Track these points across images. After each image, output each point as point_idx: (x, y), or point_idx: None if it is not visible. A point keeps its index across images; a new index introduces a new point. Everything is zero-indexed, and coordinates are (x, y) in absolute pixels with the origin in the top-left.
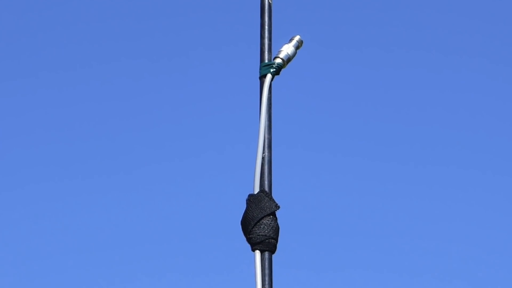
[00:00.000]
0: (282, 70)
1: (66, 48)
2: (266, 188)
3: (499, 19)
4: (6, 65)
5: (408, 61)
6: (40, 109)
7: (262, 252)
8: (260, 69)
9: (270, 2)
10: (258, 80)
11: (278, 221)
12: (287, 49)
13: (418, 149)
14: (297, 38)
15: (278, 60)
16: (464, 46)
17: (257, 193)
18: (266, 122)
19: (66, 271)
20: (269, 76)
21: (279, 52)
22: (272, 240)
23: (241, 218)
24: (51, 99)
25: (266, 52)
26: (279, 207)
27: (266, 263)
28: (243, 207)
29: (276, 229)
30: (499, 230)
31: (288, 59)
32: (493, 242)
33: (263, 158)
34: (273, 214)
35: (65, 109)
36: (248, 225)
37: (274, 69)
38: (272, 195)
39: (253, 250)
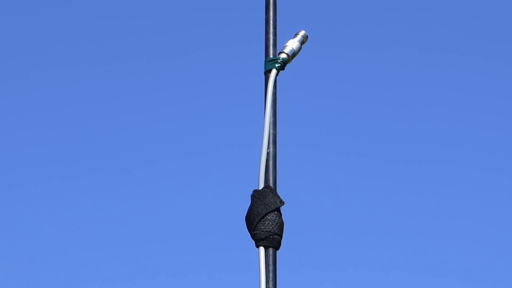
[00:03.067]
0: (287, 65)
1: (77, 46)
2: (271, 184)
3: (499, 20)
4: (6, 65)
5: (415, 60)
6: (41, 109)
7: (266, 248)
8: (265, 64)
9: None
10: (263, 76)
11: (283, 217)
12: (292, 44)
13: (425, 148)
14: (302, 33)
15: (283, 55)
16: (467, 46)
17: (262, 188)
18: (271, 118)
19: (73, 271)
20: (274, 71)
21: (284, 47)
22: (277, 236)
23: (245, 214)
24: (53, 99)
25: (271, 47)
26: (283, 203)
27: (270, 259)
28: (247, 203)
29: (281, 225)
30: (499, 229)
31: (293, 54)
32: (493, 241)
33: (268, 153)
34: (278, 210)
35: (80, 107)
36: (252, 221)
37: (279, 64)
38: (277, 190)
39: (258, 246)
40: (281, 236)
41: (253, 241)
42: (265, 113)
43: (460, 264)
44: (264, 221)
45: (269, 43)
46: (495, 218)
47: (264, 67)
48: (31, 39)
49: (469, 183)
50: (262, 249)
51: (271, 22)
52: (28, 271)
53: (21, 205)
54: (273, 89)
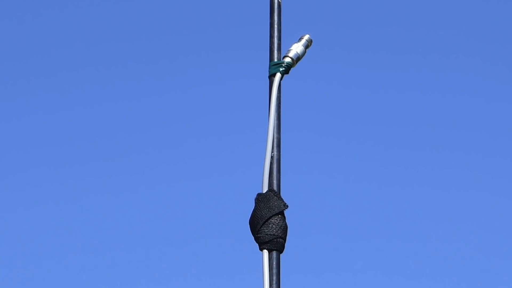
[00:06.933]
0: (292, 69)
1: (81, 48)
2: (275, 187)
3: (500, 22)
4: (7, 67)
5: (420, 63)
6: (42, 111)
7: (270, 251)
8: (269, 68)
9: (279, 1)
10: (267, 80)
11: (287, 221)
12: (296, 48)
13: (430, 151)
14: (306, 37)
15: (287, 59)
16: (469, 49)
17: (266, 192)
18: (275, 122)
19: (79, 273)
20: (278, 75)
21: (289, 51)
22: (280, 240)
23: (249, 217)
24: (53, 100)
25: (276, 51)
26: (287, 206)
27: (274, 263)
28: (251, 206)
29: (285, 229)
30: (498, 231)
31: (298, 58)
32: (493, 243)
33: (272, 157)
34: (282, 213)
35: (87, 109)
36: (256, 224)
37: (283, 68)
38: (281, 194)
39: (261, 249)
40: (284, 239)
41: (257, 244)
42: (269, 116)
43: (463, 266)
44: (268, 224)
45: (274, 47)
46: (495, 220)
47: (269, 71)
48: (32, 41)
49: (471, 186)
50: (265, 252)
51: (276, 26)
52: (28, 272)
53: (22, 206)
54: (277, 93)
